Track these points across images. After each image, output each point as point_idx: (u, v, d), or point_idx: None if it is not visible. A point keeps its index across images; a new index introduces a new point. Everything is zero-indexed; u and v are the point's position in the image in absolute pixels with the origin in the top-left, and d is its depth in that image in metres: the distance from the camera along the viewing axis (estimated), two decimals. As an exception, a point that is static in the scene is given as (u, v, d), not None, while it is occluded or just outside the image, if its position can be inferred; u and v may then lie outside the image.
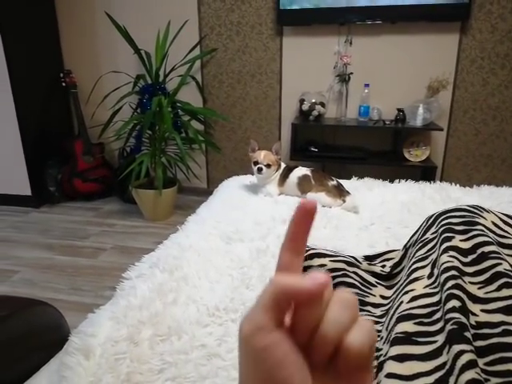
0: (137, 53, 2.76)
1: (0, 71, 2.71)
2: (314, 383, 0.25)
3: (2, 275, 2.11)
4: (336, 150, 2.82)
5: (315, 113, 2.71)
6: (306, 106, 2.72)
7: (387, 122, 2.65)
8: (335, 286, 0.82)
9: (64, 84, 3.08)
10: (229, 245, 1.17)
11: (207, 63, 2.99)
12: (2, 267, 2.19)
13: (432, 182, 1.73)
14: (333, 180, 1.58)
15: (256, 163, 1.66)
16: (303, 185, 1.61)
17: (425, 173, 2.72)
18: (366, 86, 2.71)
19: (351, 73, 2.69)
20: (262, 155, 1.66)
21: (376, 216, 1.38)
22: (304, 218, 0.28)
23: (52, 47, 3.12)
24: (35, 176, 2.99)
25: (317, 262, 0.87)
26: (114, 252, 2.38)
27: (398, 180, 1.76)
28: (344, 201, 1.50)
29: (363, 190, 1.66)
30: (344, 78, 2.71)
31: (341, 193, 1.52)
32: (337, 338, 0.24)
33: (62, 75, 3.08)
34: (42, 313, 0.75)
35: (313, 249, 0.91)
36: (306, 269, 0.85)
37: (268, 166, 1.65)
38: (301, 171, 1.65)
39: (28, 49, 2.86)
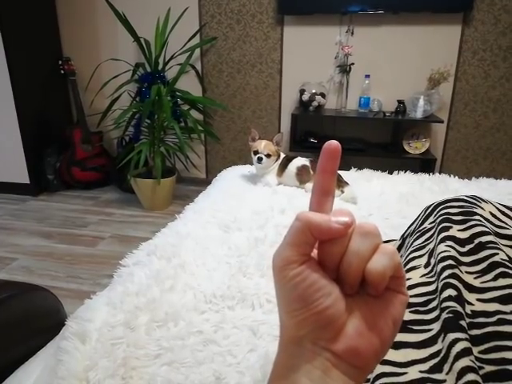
0: (136, 40, 2.73)
1: (-2, 58, 2.69)
2: (350, 308, 0.27)
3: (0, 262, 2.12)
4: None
5: (315, 103, 2.70)
6: (306, 97, 2.71)
7: (387, 114, 2.64)
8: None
9: (63, 71, 3.06)
10: (227, 233, 1.17)
11: (207, 52, 2.97)
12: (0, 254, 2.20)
13: (431, 173, 1.73)
14: None
15: (256, 153, 1.65)
16: (302, 175, 1.61)
17: (424, 165, 2.72)
18: (367, 77, 2.69)
19: (352, 63, 2.67)
20: (263, 145, 1.65)
21: (374, 207, 1.38)
22: (329, 159, 0.29)
23: (51, 34, 3.08)
24: (33, 164, 2.98)
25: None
26: (112, 241, 2.38)
27: (397, 171, 1.75)
28: (342, 191, 1.50)
29: (362, 181, 1.66)
30: (345, 69, 2.69)
31: (339, 183, 1.52)
32: (360, 266, 0.26)
33: (60, 62, 3.05)
34: (40, 298, 0.75)
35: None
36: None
37: (268, 156, 1.64)
38: (300, 161, 1.64)
39: (26, 36, 2.83)
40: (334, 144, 0.29)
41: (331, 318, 0.26)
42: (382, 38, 2.68)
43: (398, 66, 2.72)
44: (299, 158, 1.67)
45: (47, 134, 3.07)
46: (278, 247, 0.28)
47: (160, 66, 2.82)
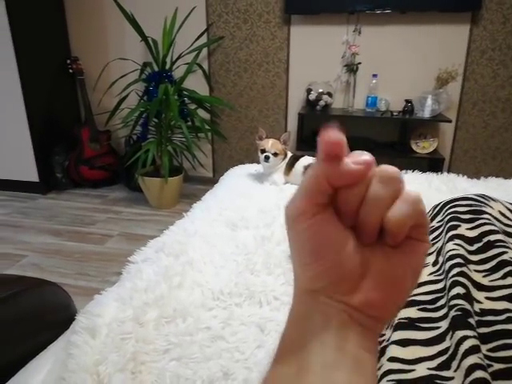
0: (144, 40, 2.74)
1: (7, 58, 2.72)
2: (367, 259, 0.26)
3: (10, 259, 2.14)
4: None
5: (322, 103, 2.70)
6: (313, 96, 2.71)
7: (395, 113, 2.63)
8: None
9: (71, 71, 3.08)
10: (234, 231, 1.17)
11: (214, 51, 2.98)
12: (10, 251, 2.22)
13: (439, 173, 1.72)
14: None
15: (263, 151, 1.66)
16: None
17: (432, 165, 2.70)
18: (374, 76, 2.68)
19: (359, 63, 2.66)
20: (270, 144, 1.65)
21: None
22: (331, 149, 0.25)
23: (59, 34, 3.11)
24: (42, 162, 3.01)
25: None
26: (120, 239, 2.40)
27: (404, 171, 1.74)
28: None
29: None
30: (352, 68, 2.68)
31: None
32: (378, 215, 0.24)
33: (68, 62, 3.08)
34: (51, 292, 0.76)
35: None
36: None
37: (275, 154, 1.65)
38: (307, 160, 1.64)
39: (35, 35, 2.86)
40: (333, 136, 0.24)
41: (346, 273, 0.25)
42: (390, 38, 2.67)
43: (406, 65, 2.71)
44: (306, 157, 1.67)
45: (56, 132, 3.10)
46: (292, 196, 0.26)
47: (167, 66, 2.84)
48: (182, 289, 0.88)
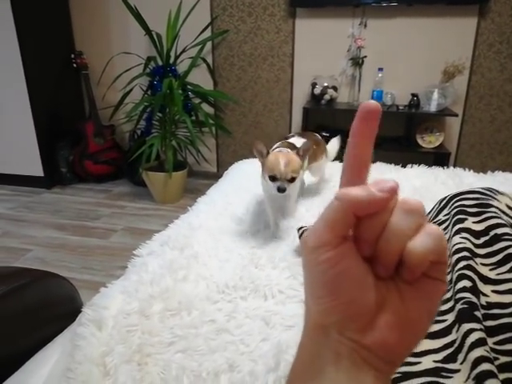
0: (148, 34, 2.74)
1: (12, 53, 2.72)
2: (382, 296, 0.25)
3: (15, 253, 2.16)
4: (348, 135, 2.78)
5: (327, 97, 2.68)
6: (317, 90, 2.69)
7: (401, 107, 2.61)
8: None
9: (75, 65, 3.08)
10: (239, 225, 1.17)
11: (218, 45, 2.96)
12: (15, 245, 2.24)
13: (445, 167, 1.70)
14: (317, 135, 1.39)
15: (273, 178, 1.05)
16: (309, 155, 1.20)
17: (438, 159, 2.68)
18: (380, 70, 2.66)
19: (365, 56, 2.64)
20: (283, 166, 1.03)
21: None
22: (367, 120, 0.26)
23: (63, 28, 3.11)
24: (47, 157, 3.02)
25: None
26: (124, 233, 2.41)
27: (410, 165, 1.73)
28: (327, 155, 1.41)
29: (375, 174, 1.61)
30: (357, 62, 2.66)
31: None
32: (399, 245, 0.23)
33: (73, 56, 3.08)
34: (57, 284, 0.77)
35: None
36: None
37: (292, 180, 1.06)
38: (298, 141, 1.21)
39: (39, 30, 2.86)
40: (372, 103, 0.25)
41: (360, 309, 0.24)
42: (396, 31, 2.64)
43: (412, 58, 2.68)
44: (292, 138, 1.27)
45: (60, 127, 3.11)
46: (313, 226, 0.25)
47: (171, 60, 2.83)
48: (186, 282, 0.88)
